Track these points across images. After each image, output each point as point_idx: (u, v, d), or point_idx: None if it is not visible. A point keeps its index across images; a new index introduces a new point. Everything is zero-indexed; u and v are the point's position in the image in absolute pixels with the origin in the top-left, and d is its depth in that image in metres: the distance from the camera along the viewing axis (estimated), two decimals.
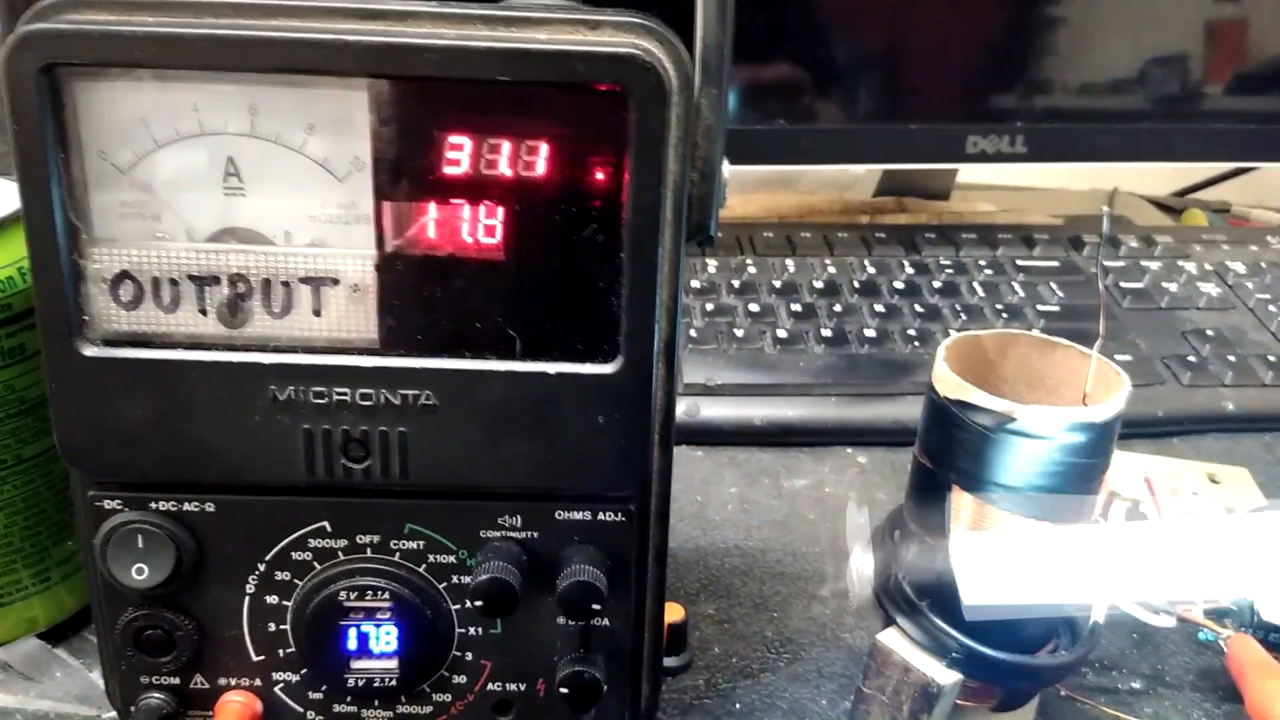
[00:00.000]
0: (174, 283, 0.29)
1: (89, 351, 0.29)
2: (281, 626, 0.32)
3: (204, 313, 0.29)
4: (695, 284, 0.61)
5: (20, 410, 0.36)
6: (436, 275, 0.29)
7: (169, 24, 0.27)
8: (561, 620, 0.32)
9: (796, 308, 0.60)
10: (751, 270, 0.63)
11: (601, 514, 0.31)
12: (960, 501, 0.32)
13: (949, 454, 0.32)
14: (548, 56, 0.27)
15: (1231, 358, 0.58)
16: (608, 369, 0.29)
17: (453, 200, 0.28)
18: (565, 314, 0.29)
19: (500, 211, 0.28)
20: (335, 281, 0.29)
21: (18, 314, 0.35)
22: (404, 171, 0.28)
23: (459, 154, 0.28)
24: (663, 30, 0.28)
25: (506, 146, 0.28)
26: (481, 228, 0.28)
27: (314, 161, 0.28)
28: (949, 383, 0.32)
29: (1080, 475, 0.32)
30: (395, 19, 0.27)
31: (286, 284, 0.29)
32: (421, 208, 0.28)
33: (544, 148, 0.28)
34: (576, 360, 0.29)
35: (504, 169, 0.28)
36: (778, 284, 0.62)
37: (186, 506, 0.30)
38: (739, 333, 0.58)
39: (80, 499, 0.31)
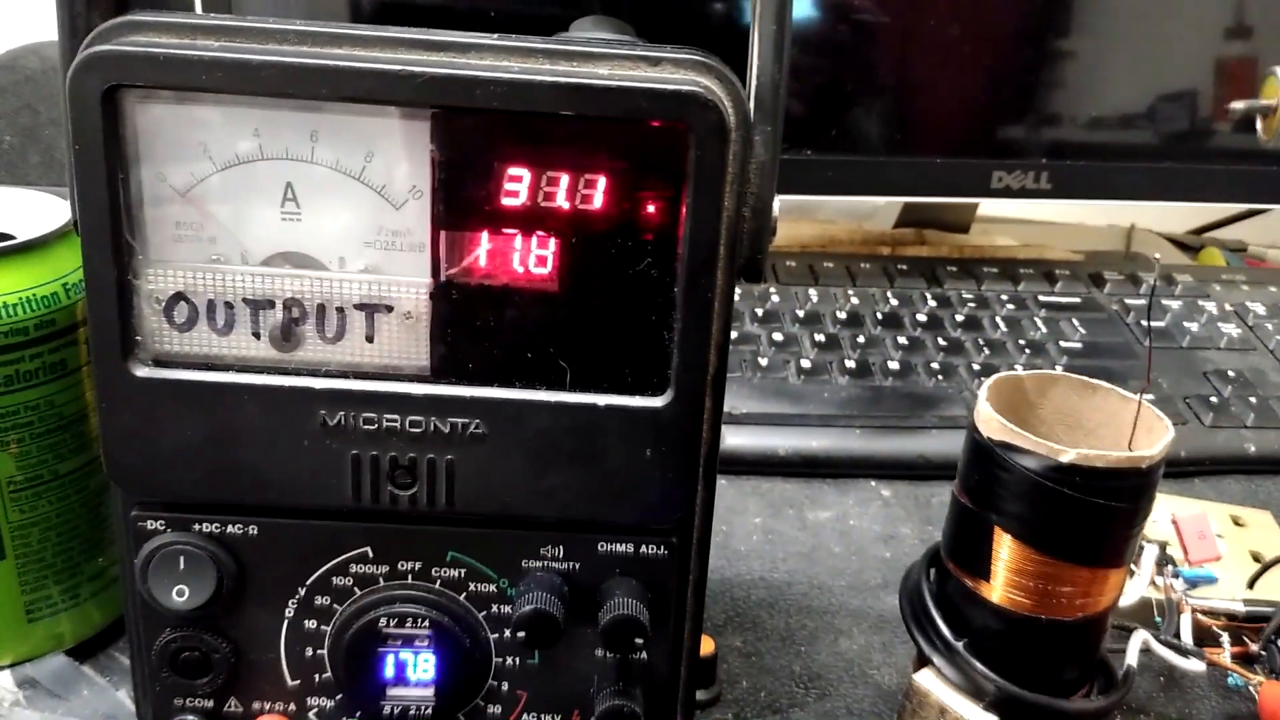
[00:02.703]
0: (229, 306, 0.29)
1: (140, 372, 0.29)
2: (319, 651, 0.32)
3: (257, 336, 0.29)
4: None
5: (59, 426, 0.36)
6: (490, 305, 0.29)
7: (233, 49, 0.27)
8: (600, 652, 0.32)
9: (820, 338, 0.60)
10: (775, 299, 0.63)
11: (644, 547, 0.31)
12: (1001, 543, 0.32)
13: (991, 495, 0.32)
14: (611, 92, 0.27)
15: (1253, 399, 0.58)
16: (657, 403, 0.29)
17: (509, 231, 0.28)
18: (617, 347, 0.29)
19: (556, 243, 0.28)
20: (389, 308, 0.29)
21: (60, 329, 0.35)
22: (462, 201, 0.28)
23: (517, 186, 0.28)
24: (721, 67, 0.28)
25: (565, 179, 0.28)
26: (536, 259, 0.29)
27: (372, 189, 0.28)
28: (993, 424, 0.32)
29: (1124, 519, 0.32)
30: (459, 50, 0.27)
31: (340, 309, 0.29)
32: (477, 238, 0.28)
33: (602, 181, 0.28)
34: (626, 393, 0.29)
35: (561, 201, 0.28)
36: (801, 313, 0.62)
37: (230, 529, 0.30)
38: (763, 362, 0.58)
39: (122, 518, 0.31)
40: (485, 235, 0.28)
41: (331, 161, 0.28)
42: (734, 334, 0.60)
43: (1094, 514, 0.31)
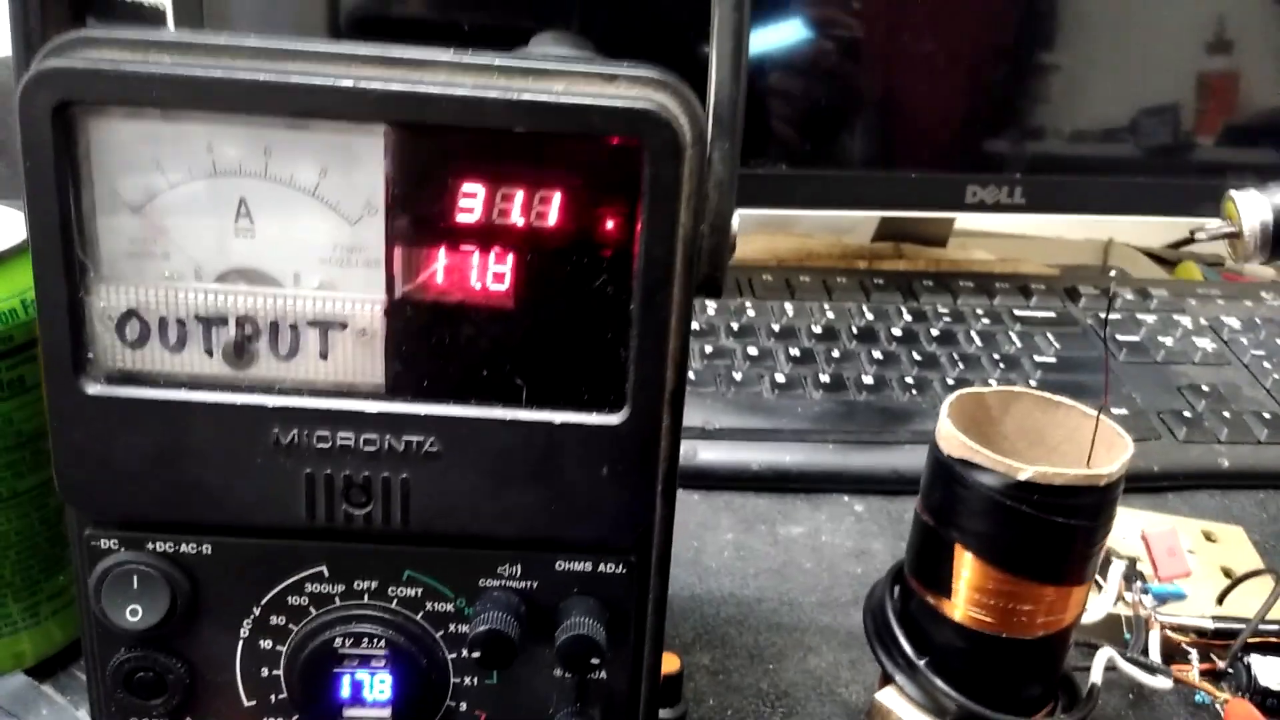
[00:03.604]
0: (181, 323, 0.28)
1: (92, 390, 0.28)
2: (275, 672, 0.31)
3: (210, 353, 0.29)
4: (695, 325, 0.61)
5: (18, 443, 0.35)
6: (445, 321, 0.29)
7: (186, 65, 0.27)
8: (559, 672, 0.31)
9: (795, 352, 0.60)
10: (750, 313, 0.63)
11: (603, 565, 0.31)
12: (963, 561, 0.32)
13: (952, 512, 0.32)
14: (564, 109, 0.27)
15: (1227, 414, 0.58)
16: (613, 419, 0.29)
17: (464, 247, 0.28)
18: (572, 363, 0.29)
19: (511, 260, 0.28)
20: (343, 325, 0.29)
21: (18, 346, 0.35)
22: (416, 217, 0.28)
23: (472, 202, 0.28)
24: (678, 84, 0.28)
25: (520, 195, 0.28)
26: (492, 275, 0.28)
27: (326, 205, 0.28)
28: (954, 441, 0.32)
29: (1084, 537, 0.32)
30: (413, 67, 0.27)
31: (294, 326, 0.29)
32: (433, 254, 0.28)
33: (557, 198, 0.28)
34: (582, 410, 0.29)
35: (516, 218, 0.28)
36: (776, 327, 0.62)
37: (183, 548, 0.30)
38: (737, 376, 0.58)
39: (76, 538, 0.30)
40: (440, 251, 0.28)
41: (286, 177, 0.28)
42: (709, 348, 0.60)
43: (1053, 532, 0.31)
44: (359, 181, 0.28)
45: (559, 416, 0.29)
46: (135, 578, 0.30)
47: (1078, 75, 0.66)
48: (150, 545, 0.30)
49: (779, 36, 0.62)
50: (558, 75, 0.28)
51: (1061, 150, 0.67)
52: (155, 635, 0.30)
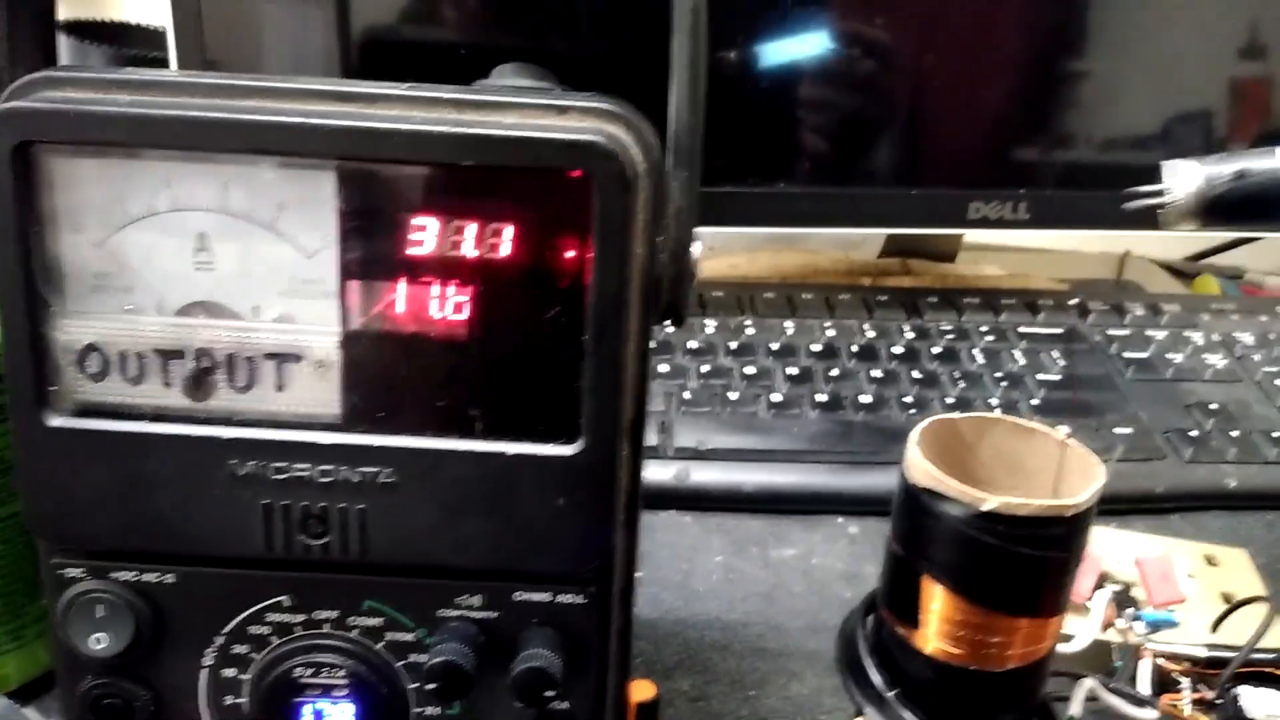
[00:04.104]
0: (140, 356, 0.29)
1: (55, 422, 0.29)
2: (239, 700, 0.31)
3: (169, 386, 0.29)
4: (692, 344, 0.61)
5: (1, 470, 0.36)
6: (400, 353, 0.29)
7: (144, 104, 0.27)
8: (519, 703, 0.31)
9: (793, 371, 0.59)
10: (750, 331, 0.63)
11: (562, 595, 0.31)
12: (932, 592, 0.32)
13: (920, 543, 0.32)
14: (511, 142, 0.27)
15: (1235, 433, 0.57)
16: (569, 450, 0.29)
17: (417, 280, 0.28)
18: (527, 394, 0.29)
19: (465, 292, 0.28)
20: (299, 357, 0.29)
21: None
22: (370, 250, 0.28)
23: (424, 235, 0.28)
24: (631, 115, 0.28)
25: (472, 228, 0.28)
26: (445, 307, 0.29)
27: (283, 238, 0.28)
28: (919, 470, 0.32)
29: (1053, 569, 0.31)
30: (366, 101, 0.28)
31: (251, 359, 0.29)
32: (386, 286, 0.28)
33: (509, 230, 0.28)
34: (538, 441, 0.29)
35: (469, 250, 0.28)
36: (775, 346, 0.61)
37: (147, 577, 0.30)
38: (733, 395, 0.57)
39: (44, 566, 0.31)
40: (394, 284, 0.28)
41: (244, 212, 0.28)
42: (706, 367, 0.59)
43: (1021, 564, 0.30)
44: (314, 216, 0.28)
45: (515, 448, 0.29)
46: (100, 606, 0.30)
47: (1085, 90, 0.65)
48: (114, 574, 0.30)
49: (777, 56, 0.62)
50: (509, 108, 0.28)
51: (1066, 164, 0.66)
52: (121, 663, 0.31)
